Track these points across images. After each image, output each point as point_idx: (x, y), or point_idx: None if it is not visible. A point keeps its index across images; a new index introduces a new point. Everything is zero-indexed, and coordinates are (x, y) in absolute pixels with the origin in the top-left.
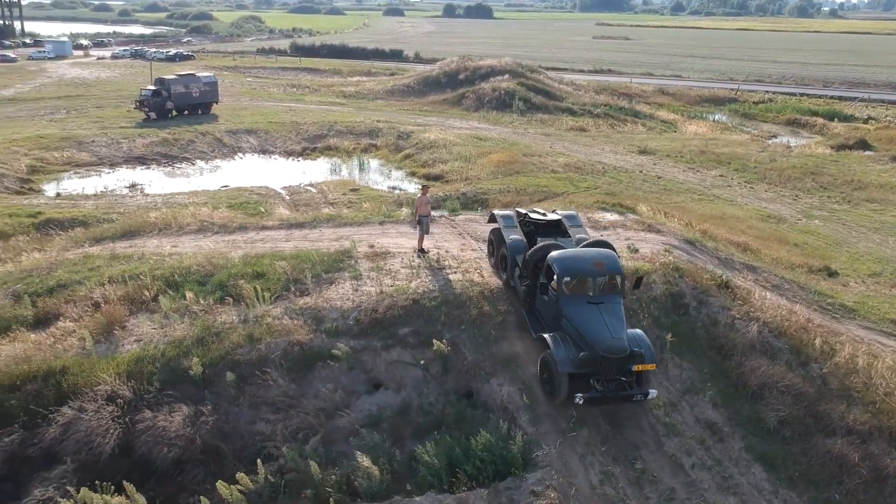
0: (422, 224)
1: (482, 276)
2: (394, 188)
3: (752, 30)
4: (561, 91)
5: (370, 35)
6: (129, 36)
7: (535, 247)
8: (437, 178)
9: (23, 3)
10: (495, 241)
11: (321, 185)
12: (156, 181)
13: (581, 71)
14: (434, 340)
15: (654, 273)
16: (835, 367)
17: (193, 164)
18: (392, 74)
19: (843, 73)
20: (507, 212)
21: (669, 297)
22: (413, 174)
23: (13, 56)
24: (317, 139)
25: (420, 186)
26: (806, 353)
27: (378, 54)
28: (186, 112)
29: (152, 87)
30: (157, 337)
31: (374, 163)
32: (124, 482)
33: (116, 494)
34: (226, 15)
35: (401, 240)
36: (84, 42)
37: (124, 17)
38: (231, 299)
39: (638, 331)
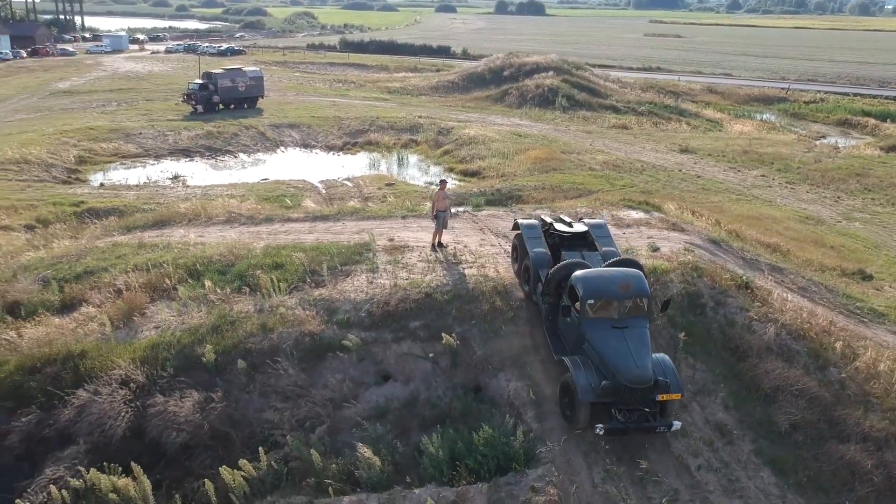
0: (439, 219)
1: (497, 272)
2: (430, 184)
3: (810, 28)
4: (606, 88)
5: (420, 31)
6: (185, 31)
7: (558, 264)
8: (474, 174)
9: None
10: (519, 249)
11: (357, 179)
12: (198, 173)
13: (629, 68)
14: (443, 334)
15: (672, 272)
16: (855, 371)
17: (236, 157)
18: (438, 71)
19: None
20: (532, 220)
21: (686, 296)
22: (451, 170)
23: (72, 50)
24: (358, 134)
25: (438, 181)
26: (825, 356)
27: (426, 50)
28: (233, 106)
29: (199, 81)
30: (175, 324)
31: (412, 158)
32: (132, 464)
33: (124, 476)
34: (280, 11)
35: (421, 234)
36: (140, 37)
37: (181, 12)
38: (248, 289)
39: (663, 356)
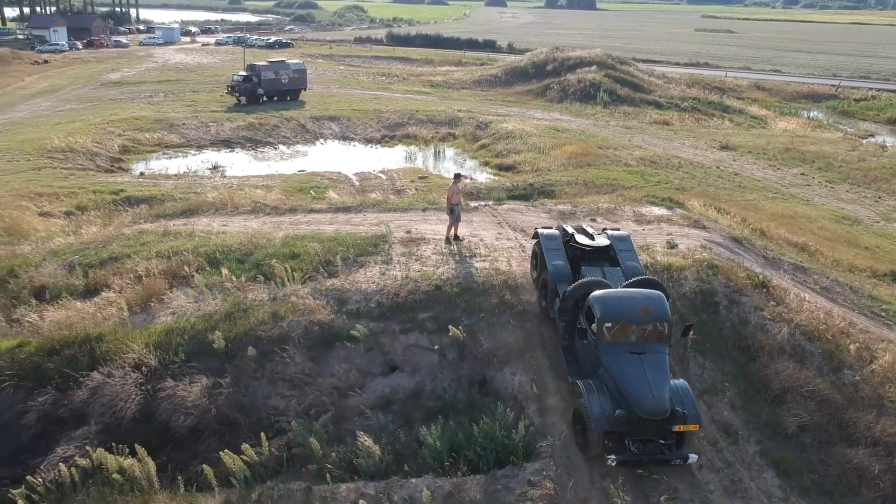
0: (454, 213)
1: (509, 266)
2: (465, 177)
3: (868, 24)
4: (649, 83)
5: (468, 25)
6: (236, 23)
7: (576, 283)
8: (509, 168)
9: None
10: (539, 259)
11: (391, 171)
12: (237, 164)
13: (676, 64)
14: (450, 326)
15: (686, 269)
16: (871, 374)
17: (276, 148)
18: (482, 64)
19: None
20: (552, 231)
21: (699, 294)
22: (486, 164)
23: (125, 42)
24: (396, 127)
25: (453, 175)
26: (840, 358)
27: (471, 44)
28: (276, 98)
29: (243, 74)
30: (191, 310)
31: (449, 151)
32: (136, 445)
33: (131, 457)
34: (330, 4)
35: (439, 227)
36: (192, 29)
37: (234, 4)
38: (263, 278)
39: (681, 382)
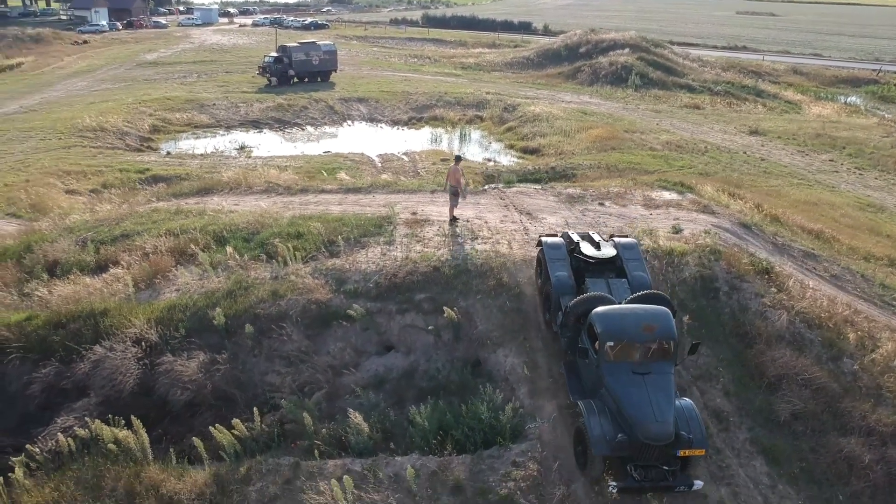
0: (457, 194)
1: (510, 248)
2: (488, 160)
3: None
4: (683, 67)
5: (505, 7)
6: (275, 4)
7: (578, 298)
8: (533, 151)
9: None
10: (542, 268)
11: (414, 153)
12: (264, 144)
13: (714, 47)
14: (445, 307)
15: (688, 254)
16: (871, 363)
17: (303, 129)
18: (515, 47)
19: None
20: (556, 239)
21: (700, 279)
22: (511, 147)
23: (164, 23)
24: (424, 109)
25: (454, 157)
26: (840, 346)
27: (507, 26)
28: (306, 79)
29: (274, 55)
30: (194, 287)
31: (475, 134)
32: (132, 417)
33: (126, 429)
34: None
35: (446, 209)
36: (231, 10)
37: None
38: (266, 256)
39: (688, 403)
